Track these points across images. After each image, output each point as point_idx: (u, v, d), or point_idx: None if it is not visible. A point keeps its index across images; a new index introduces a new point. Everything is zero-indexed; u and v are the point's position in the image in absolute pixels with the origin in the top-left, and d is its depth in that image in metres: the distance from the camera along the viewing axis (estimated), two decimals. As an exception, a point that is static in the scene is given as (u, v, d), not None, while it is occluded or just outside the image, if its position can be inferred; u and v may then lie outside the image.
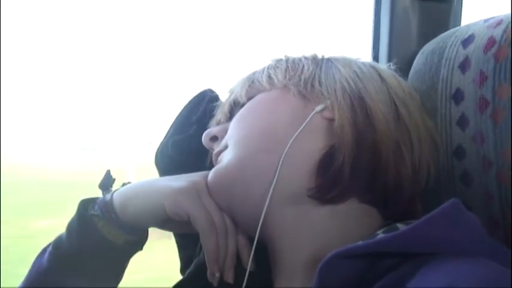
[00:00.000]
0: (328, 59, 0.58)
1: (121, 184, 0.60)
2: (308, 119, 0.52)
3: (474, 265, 0.37)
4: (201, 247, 0.54)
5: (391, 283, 0.39)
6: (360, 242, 0.41)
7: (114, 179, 0.61)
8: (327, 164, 0.50)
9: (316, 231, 0.51)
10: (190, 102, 0.72)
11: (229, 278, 0.53)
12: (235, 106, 0.60)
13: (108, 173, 0.61)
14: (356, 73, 0.55)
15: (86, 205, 0.58)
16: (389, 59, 0.81)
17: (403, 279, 0.38)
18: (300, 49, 0.61)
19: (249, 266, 0.52)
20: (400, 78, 0.58)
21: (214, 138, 0.60)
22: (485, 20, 0.56)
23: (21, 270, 0.60)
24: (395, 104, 0.53)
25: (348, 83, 0.53)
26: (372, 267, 0.41)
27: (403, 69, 0.61)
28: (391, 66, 0.60)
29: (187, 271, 0.56)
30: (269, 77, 0.57)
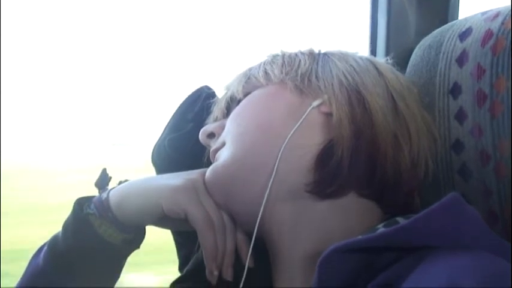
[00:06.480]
0: (325, 54, 0.58)
1: (117, 182, 0.60)
2: (305, 114, 0.52)
3: (475, 258, 0.37)
4: (199, 245, 0.54)
5: (391, 277, 0.39)
6: (360, 236, 0.41)
7: (111, 177, 0.60)
8: (325, 159, 0.50)
9: (315, 227, 0.50)
10: (186, 99, 0.71)
11: (228, 275, 0.53)
12: (232, 102, 0.60)
13: (104, 171, 0.60)
14: (353, 67, 0.54)
15: (81, 204, 0.57)
16: (387, 53, 0.81)
17: (403, 273, 0.38)
18: (297, 45, 0.61)
19: (247, 262, 0.52)
20: (398, 72, 0.57)
21: (212, 135, 0.60)
22: (483, 13, 0.56)
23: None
24: (392, 97, 0.53)
25: (345, 77, 0.53)
26: (372, 261, 0.41)
27: (401, 63, 0.61)
28: (389, 61, 0.59)
29: (186, 268, 0.56)
30: (265, 72, 0.57)
